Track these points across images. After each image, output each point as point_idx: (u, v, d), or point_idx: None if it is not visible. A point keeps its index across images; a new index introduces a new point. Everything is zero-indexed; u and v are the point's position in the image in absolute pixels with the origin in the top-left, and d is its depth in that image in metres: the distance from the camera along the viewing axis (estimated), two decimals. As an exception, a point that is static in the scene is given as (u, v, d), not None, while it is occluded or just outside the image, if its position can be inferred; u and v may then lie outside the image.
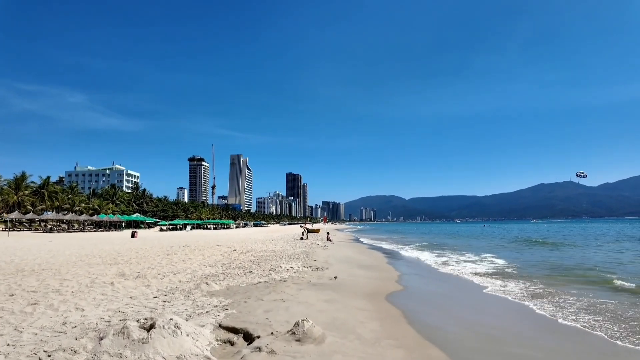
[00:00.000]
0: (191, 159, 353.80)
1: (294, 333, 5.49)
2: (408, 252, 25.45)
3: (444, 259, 20.70)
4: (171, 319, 5.42)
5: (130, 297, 7.96)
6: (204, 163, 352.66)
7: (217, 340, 5.71)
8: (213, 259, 16.30)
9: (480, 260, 19.40)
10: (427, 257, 21.57)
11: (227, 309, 7.05)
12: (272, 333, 5.70)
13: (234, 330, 6.07)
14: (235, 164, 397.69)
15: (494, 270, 15.11)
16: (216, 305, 7.34)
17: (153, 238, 40.28)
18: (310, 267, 14.57)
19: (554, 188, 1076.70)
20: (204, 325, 6.09)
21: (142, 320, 5.65)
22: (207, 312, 6.83)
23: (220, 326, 6.19)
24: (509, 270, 14.99)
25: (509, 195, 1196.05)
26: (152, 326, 5.03)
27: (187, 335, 5.19)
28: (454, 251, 26.26)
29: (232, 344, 5.68)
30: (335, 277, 11.86)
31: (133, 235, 44.96)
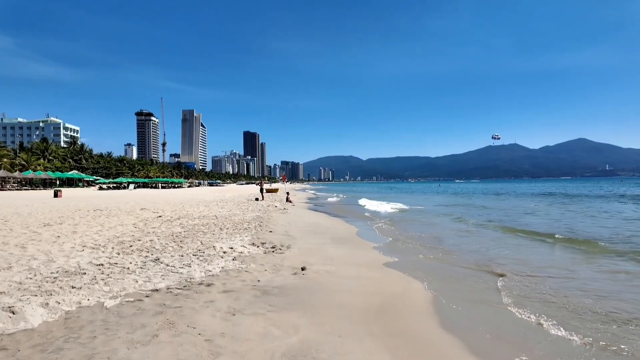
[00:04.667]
0: (139, 114, 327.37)
1: None
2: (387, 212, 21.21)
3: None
4: None
5: None
6: (153, 118, 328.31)
7: None
8: (112, 232, 10.70)
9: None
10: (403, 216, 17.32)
11: None
12: None
13: None
14: (188, 120, 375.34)
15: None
16: None
17: (79, 198, 33.28)
18: (263, 244, 9.59)
19: (500, 150, 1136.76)
20: None
21: None
22: None
23: None
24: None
25: (459, 157, 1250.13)
26: None
27: None
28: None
29: None
30: (302, 270, 6.95)
31: (56, 195, 37.73)
